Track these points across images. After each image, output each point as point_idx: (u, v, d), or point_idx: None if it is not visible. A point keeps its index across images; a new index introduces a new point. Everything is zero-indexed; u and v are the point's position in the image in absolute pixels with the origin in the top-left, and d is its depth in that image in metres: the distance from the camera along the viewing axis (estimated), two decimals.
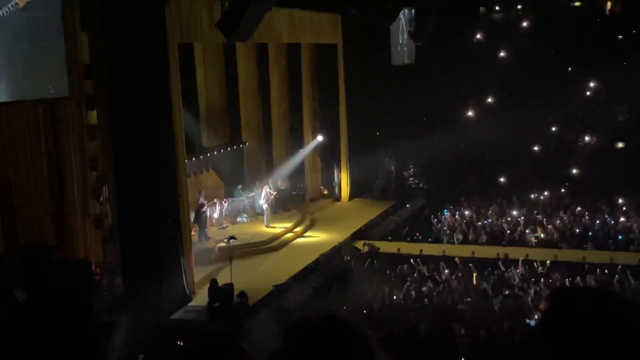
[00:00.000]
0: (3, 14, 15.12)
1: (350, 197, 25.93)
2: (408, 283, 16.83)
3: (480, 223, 22.12)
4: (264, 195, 21.34)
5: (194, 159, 19.91)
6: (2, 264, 13.91)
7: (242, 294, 14.76)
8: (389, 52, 25.74)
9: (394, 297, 16.13)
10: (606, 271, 17.21)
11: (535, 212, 22.81)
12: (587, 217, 21.87)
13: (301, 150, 25.16)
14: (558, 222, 21.44)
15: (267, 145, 24.92)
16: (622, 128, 26.78)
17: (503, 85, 27.28)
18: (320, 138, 25.35)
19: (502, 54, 27.58)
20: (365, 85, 24.93)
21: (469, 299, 15.70)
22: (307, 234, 21.48)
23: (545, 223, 21.38)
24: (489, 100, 27.79)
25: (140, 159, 14.31)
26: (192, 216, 17.75)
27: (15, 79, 14.37)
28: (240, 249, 18.13)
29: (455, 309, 15.01)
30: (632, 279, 16.51)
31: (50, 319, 1.95)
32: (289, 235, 20.83)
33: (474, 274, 17.18)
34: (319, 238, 21.02)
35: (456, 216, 22.96)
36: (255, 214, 22.08)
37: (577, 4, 27.92)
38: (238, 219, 21.60)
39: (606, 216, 21.85)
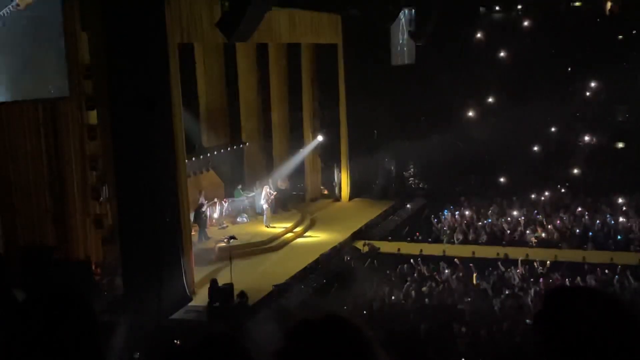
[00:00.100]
0: (3, 14, 15.09)
1: (350, 197, 25.93)
2: (408, 283, 16.84)
3: (480, 223, 22.13)
4: (264, 195, 21.32)
5: (194, 159, 19.93)
6: (2, 264, 13.87)
7: (242, 294, 14.76)
8: (389, 52, 25.73)
9: (394, 297, 16.14)
10: (606, 271, 17.22)
11: (536, 212, 22.79)
12: (587, 217, 21.88)
13: (301, 150, 25.14)
14: (558, 222, 21.44)
15: (267, 145, 24.93)
16: (622, 128, 26.79)
17: (503, 85, 27.26)
18: (320, 138, 25.34)
19: (502, 54, 27.56)
20: (365, 85, 24.91)
21: (469, 299, 15.71)
22: (307, 234, 21.49)
23: (545, 223, 21.38)
24: (489, 100, 27.77)
25: (140, 159, 14.30)
26: (192, 216, 17.75)
27: (15, 79, 14.33)
28: (240, 249, 18.14)
29: (455, 309, 15.03)
30: (632, 279, 16.53)
31: (50, 319, 1.95)
32: (289, 235, 20.84)
33: (474, 274, 17.19)
34: (319, 238, 21.02)
35: (456, 216, 22.95)
36: (255, 214, 22.07)
37: (577, 4, 27.91)
38: (238, 219, 21.60)
39: (608, 216, 21.85)
